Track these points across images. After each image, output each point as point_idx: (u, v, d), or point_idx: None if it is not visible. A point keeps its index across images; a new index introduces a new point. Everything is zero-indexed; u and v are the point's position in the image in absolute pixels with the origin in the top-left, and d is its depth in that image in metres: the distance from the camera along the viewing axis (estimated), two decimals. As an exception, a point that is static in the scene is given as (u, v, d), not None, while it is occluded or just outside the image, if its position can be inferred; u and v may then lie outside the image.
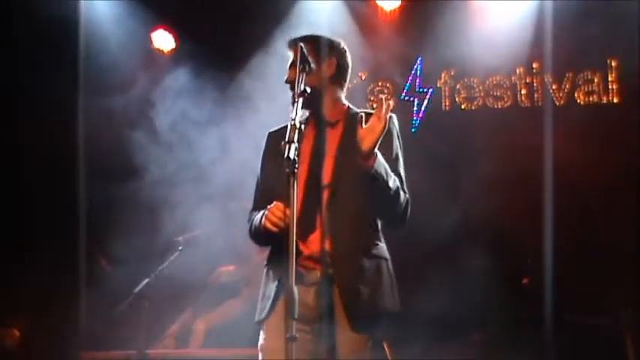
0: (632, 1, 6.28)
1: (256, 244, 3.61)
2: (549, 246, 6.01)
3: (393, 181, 3.27)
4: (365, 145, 3.14)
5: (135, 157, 6.25)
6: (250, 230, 3.46)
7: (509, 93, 6.95)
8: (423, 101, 7.08)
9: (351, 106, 3.52)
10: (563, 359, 5.59)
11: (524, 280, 5.70)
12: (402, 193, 3.34)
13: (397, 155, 3.45)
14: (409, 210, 3.41)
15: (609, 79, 6.72)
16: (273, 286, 3.32)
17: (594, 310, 5.71)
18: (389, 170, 3.27)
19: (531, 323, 5.75)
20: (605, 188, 6.17)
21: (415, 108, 7.09)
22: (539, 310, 5.72)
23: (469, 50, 6.75)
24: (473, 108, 7.02)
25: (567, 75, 6.80)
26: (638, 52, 6.35)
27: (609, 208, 6.13)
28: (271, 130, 3.56)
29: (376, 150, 3.17)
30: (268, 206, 3.22)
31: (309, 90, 3.10)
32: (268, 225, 3.18)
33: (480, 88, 7.01)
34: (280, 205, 3.13)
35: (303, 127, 2.94)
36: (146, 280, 5.15)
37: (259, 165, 3.54)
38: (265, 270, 3.44)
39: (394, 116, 3.50)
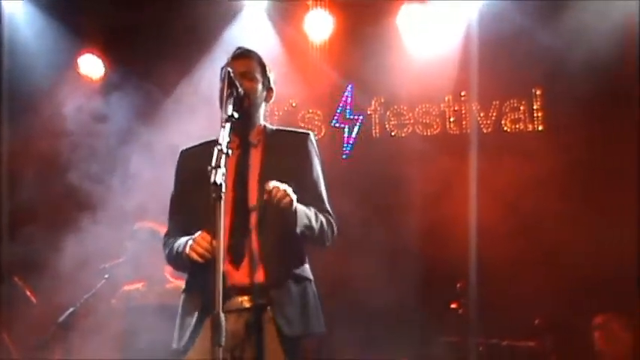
0: (556, 32, 6.43)
1: (175, 270, 3.55)
2: (477, 271, 6.09)
3: (315, 221, 3.29)
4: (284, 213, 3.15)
5: (58, 185, 6.14)
6: (170, 256, 3.40)
7: (438, 120, 7.05)
8: (354, 128, 7.13)
9: (267, 124, 3.52)
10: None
11: (453, 305, 5.74)
12: (324, 225, 3.35)
13: (317, 175, 3.45)
14: (335, 229, 3.41)
15: (534, 106, 6.87)
16: (194, 314, 3.25)
17: (521, 334, 5.79)
18: (310, 215, 3.27)
19: (459, 347, 5.80)
20: (534, 213, 6.27)
21: (346, 134, 7.13)
22: (467, 334, 5.77)
23: (399, 78, 6.84)
24: (403, 135, 7.10)
25: (494, 103, 6.93)
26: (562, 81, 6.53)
27: (537, 232, 6.23)
28: (183, 148, 3.52)
29: (295, 210, 3.16)
30: (192, 236, 3.17)
31: (236, 115, 3.08)
32: (194, 255, 3.13)
33: (410, 115, 7.10)
34: (206, 235, 3.09)
35: (230, 152, 2.91)
36: (70, 310, 5.02)
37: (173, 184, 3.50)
38: (183, 297, 3.37)
39: (313, 137, 3.50)
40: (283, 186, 3.13)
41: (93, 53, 7.09)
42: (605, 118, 6.53)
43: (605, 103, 6.52)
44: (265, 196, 3.11)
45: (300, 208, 3.21)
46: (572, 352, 5.75)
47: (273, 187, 3.10)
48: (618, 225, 6.10)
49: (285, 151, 3.39)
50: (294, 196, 3.14)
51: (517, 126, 6.91)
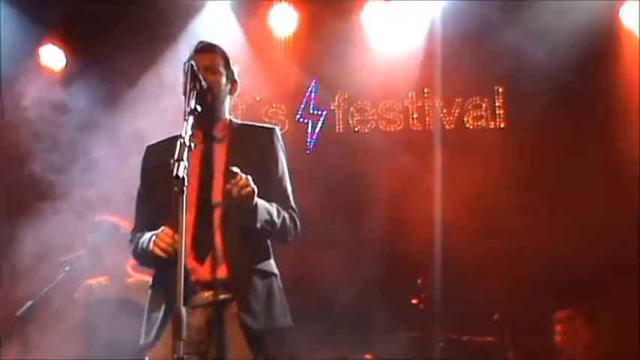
0: (518, 31, 6.50)
1: (141, 266, 3.54)
2: (439, 267, 6.15)
3: (277, 217, 3.29)
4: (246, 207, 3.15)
5: (19, 176, 6.08)
6: (135, 251, 3.39)
7: (401, 116, 7.09)
8: (317, 123, 7.15)
9: (233, 119, 3.51)
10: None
11: (414, 300, 5.79)
12: (287, 221, 3.35)
13: (282, 171, 3.45)
14: (298, 226, 3.42)
15: (496, 104, 6.94)
16: (160, 310, 3.24)
17: (480, 329, 5.85)
18: (272, 210, 3.27)
19: (421, 342, 5.85)
20: (496, 209, 6.33)
21: (309, 130, 7.14)
22: (428, 329, 5.83)
23: (363, 74, 6.86)
24: (366, 130, 7.12)
25: (457, 100, 6.98)
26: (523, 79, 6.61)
27: (499, 229, 6.30)
28: (149, 143, 3.51)
29: (255, 204, 3.17)
30: (156, 231, 3.16)
31: (199, 108, 3.07)
32: (157, 251, 3.12)
33: (373, 111, 7.13)
34: (169, 230, 3.08)
35: (193, 145, 2.90)
36: (29, 303, 4.97)
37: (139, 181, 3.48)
38: (150, 292, 3.36)
39: (278, 132, 3.50)
40: (245, 176, 3.12)
41: (54, 44, 7.01)
42: (565, 116, 6.62)
43: (565, 101, 6.62)
44: (228, 186, 3.10)
45: (260, 202, 3.20)
46: (530, 347, 5.83)
47: (237, 174, 3.09)
48: (578, 222, 6.19)
49: (251, 146, 3.38)
50: (255, 188, 3.14)
51: (479, 123, 6.98)
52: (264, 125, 3.60)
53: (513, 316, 5.78)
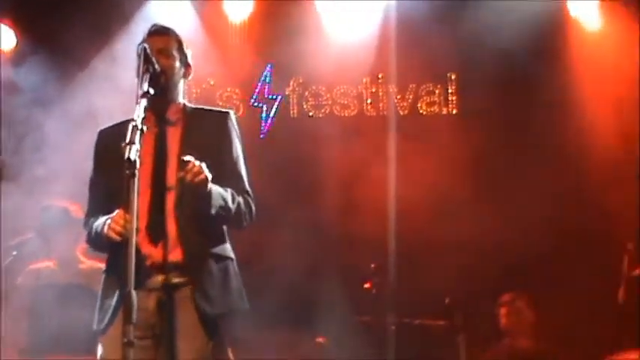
0: (471, 19, 6.56)
1: (95, 251, 3.52)
2: (392, 252, 6.21)
3: (232, 202, 3.29)
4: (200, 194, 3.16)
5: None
6: (89, 236, 3.37)
7: (355, 102, 7.12)
8: (272, 107, 7.14)
9: (187, 103, 3.50)
10: (402, 358, 5.78)
11: (367, 285, 5.84)
12: (242, 206, 3.35)
13: (237, 155, 3.45)
14: (253, 210, 3.42)
15: (449, 91, 7.01)
16: (114, 295, 3.23)
17: (432, 313, 5.93)
18: (226, 196, 3.27)
19: (373, 326, 5.90)
20: (448, 195, 6.41)
21: (264, 114, 7.13)
22: (380, 314, 5.88)
23: (317, 59, 6.86)
24: (320, 115, 7.14)
25: (411, 86, 7.03)
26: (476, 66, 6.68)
27: (451, 214, 6.38)
28: (102, 127, 3.49)
29: (209, 190, 3.17)
30: (110, 215, 3.14)
31: (152, 91, 3.05)
32: (112, 234, 3.10)
33: (328, 96, 7.14)
34: (123, 213, 3.06)
35: (145, 128, 2.88)
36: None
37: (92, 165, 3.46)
38: (104, 278, 3.35)
39: (233, 116, 3.50)
40: (199, 163, 3.12)
41: (4, 23, 6.88)
42: (516, 103, 6.72)
43: (516, 88, 6.72)
44: (180, 174, 3.10)
45: (215, 188, 3.21)
46: (479, 330, 5.93)
47: (189, 162, 3.09)
48: (528, 208, 6.30)
49: (205, 130, 3.37)
50: (209, 175, 3.14)
51: (432, 109, 7.04)
52: (218, 109, 3.59)
53: (464, 301, 5.86)
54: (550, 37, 6.67)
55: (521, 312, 5.93)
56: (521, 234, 6.16)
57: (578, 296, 6.08)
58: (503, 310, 5.96)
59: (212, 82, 7.12)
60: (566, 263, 6.23)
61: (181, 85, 3.48)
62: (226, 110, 3.54)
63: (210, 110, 3.55)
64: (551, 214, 6.31)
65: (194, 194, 3.16)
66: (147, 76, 3.08)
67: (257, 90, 7.15)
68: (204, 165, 3.12)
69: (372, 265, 5.91)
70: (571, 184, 6.46)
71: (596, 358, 5.40)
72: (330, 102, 7.15)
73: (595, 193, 6.35)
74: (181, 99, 3.48)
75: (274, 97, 7.16)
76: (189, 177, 3.08)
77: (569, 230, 6.34)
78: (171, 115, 3.40)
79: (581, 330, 6.02)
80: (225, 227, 3.40)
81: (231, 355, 3.45)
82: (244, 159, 3.48)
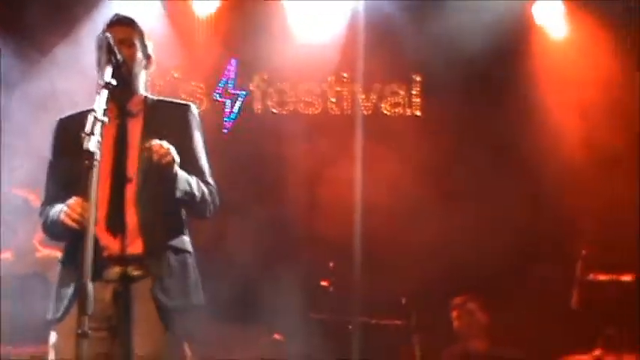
0: (437, 22, 6.61)
1: (52, 240, 3.49)
2: (351, 250, 6.24)
3: (197, 190, 3.28)
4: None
5: None
6: (45, 224, 3.33)
7: (319, 100, 7.14)
8: (236, 102, 7.13)
9: (148, 95, 3.48)
10: (359, 357, 5.81)
11: (324, 283, 5.87)
12: (206, 195, 3.34)
13: (198, 148, 3.42)
14: (216, 202, 3.41)
15: (413, 92, 7.05)
16: (70, 285, 3.19)
17: (389, 313, 5.98)
18: (192, 181, 3.26)
19: (329, 324, 5.93)
20: (410, 196, 6.45)
21: (227, 109, 7.12)
22: (337, 312, 5.91)
23: (283, 56, 6.86)
24: (284, 112, 7.14)
25: (375, 86, 7.07)
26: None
27: (413, 216, 6.43)
28: (62, 116, 3.44)
29: (175, 173, 3.16)
30: (67, 202, 3.12)
31: (114, 82, 3.03)
32: (68, 221, 3.07)
33: (292, 93, 7.15)
34: (80, 200, 3.04)
35: (106, 119, 2.86)
36: None
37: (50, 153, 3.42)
38: (60, 268, 3.31)
39: (194, 109, 3.48)
40: (166, 144, 3.11)
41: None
42: (480, 106, 6.79)
43: (480, 91, 6.79)
44: (145, 153, 3.08)
45: (181, 173, 3.20)
46: (434, 331, 5.99)
47: (155, 144, 3.08)
48: (489, 211, 6.37)
49: (166, 122, 3.34)
50: (176, 157, 3.14)
51: (396, 110, 7.08)
52: (180, 102, 3.57)
53: (420, 301, 5.91)
54: (515, 41, 6.73)
55: (473, 314, 6.01)
56: (479, 236, 6.24)
57: (531, 300, 6.17)
58: (455, 313, 6.04)
59: (176, 75, 7.09)
60: (521, 267, 6.31)
61: (143, 77, 3.45)
62: (187, 103, 3.52)
63: (172, 102, 3.53)
64: (510, 217, 6.39)
65: (160, 176, 3.14)
66: (108, 67, 3.05)
67: (221, 84, 7.13)
68: (172, 147, 3.11)
69: (331, 264, 5.94)
70: (530, 188, 6.55)
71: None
72: (294, 99, 7.15)
73: (553, 198, 6.44)
74: (143, 90, 3.45)
75: (238, 92, 7.16)
76: (155, 157, 3.07)
77: (526, 234, 6.42)
78: (133, 106, 3.37)
79: (533, 333, 6.10)
80: (185, 219, 3.38)
81: (187, 349, 3.44)
82: (206, 153, 3.46)
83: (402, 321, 5.83)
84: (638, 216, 5.96)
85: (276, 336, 5.95)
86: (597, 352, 5.22)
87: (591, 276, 5.37)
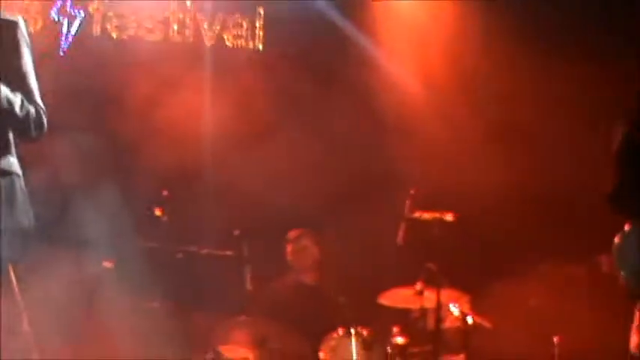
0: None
1: None
2: (185, 179, 6.24)
3: (20, 108, 3.16)
4: None
5: None
6: None
7: (161, 27, 6.97)
8: (73, 24, 6.86)
9: None
10: (190, 283, 5.88)
11: (157, 211, 5.85)
12: (31, 113, 3.22)
13: (26, 67, 3.29)
14: (44, 123, 3.29)
15: (257, 25, 7.03)
16: None
17: (221, 243, 6.06)
18: (14, 99, 3.14)
19: (160, 252, 5.93)
20: (248, 126, 6.48)
21: (64, 29, 6.84)
22: (168, 241, 5.92)
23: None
24: (124, 37, 6.94)
25: (218, 16, 6.98)
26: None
27: (249, 145, 6.48)
28: None
29: None
30: None
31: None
32: None
33: (133, 18, 6.94)
34: None
35: None
36: None
37: None
38: None
39: (23, 25, 3.32)
40: None
41: None
42: (321, 46, 6.86)
43: (323, 33, 6.86)
44: None
45: (2, 88, 3.08)
46: (265, 263, 6.12)
47: None
48: (323, 148, 6.51)
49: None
50: None
51: (239, 42, 7.04)
52: (6, 17, 3.36)
53: (255, 233, 6.01)
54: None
55: (307, 248, 6.21)
56: (314, 171, 6.36)
57: (361, 235, 6.41)
58: (289, 246, 6.21)
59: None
60: (353, 203, 6.51)
61: None
62: (14, 18, 3.34)
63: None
64: (344, 156, 6.58)
65: None
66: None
67: (59, 3, 6.83)
68: None
69: (165, 193, 5.91)
70: (365, 129, 6.71)
71: (375, 293, 5.72)
72: (135, 25, 6.94)
73: (387, 139, 6.65)
74: None
75: (77, 12, 6.88)
76: None
77: (359, 173, 6.61)
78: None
79: (362, 267, 6.35)
80: (11, 140, 3.27)
81: (12, 273, 3.36)
82: (37, 73, 3.34)
83: (234, 251, 5.91)
84: (460, 162, 6.31)
85: (107, 263, 5.88)
86: (418, 286, 5.48)
87: (417, 214, 5.60)
